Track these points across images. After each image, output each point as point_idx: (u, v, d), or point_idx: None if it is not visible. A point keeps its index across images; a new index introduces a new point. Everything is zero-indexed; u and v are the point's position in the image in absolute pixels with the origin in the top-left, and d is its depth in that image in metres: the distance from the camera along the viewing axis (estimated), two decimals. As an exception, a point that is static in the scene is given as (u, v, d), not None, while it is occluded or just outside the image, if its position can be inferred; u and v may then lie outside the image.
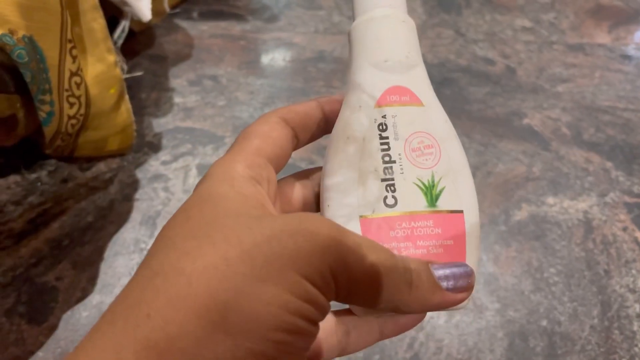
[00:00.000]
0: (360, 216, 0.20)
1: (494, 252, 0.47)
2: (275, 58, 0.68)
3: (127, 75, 0.49)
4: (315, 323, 0.17)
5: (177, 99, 0.61)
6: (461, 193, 0.21)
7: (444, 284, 0.19)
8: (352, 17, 0.24)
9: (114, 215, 0.48)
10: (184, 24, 0.73)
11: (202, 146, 0.55)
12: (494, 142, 0.57)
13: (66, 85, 0.42)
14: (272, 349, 0.15)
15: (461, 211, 0.21)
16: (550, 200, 0.51)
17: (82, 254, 0.45)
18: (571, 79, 0.67)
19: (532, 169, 0.54)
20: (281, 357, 0.16)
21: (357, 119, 0.21)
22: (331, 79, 0.65)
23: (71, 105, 0.43)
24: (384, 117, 0.21)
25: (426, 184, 0.21)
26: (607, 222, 0.50)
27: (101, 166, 0.52)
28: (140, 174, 0.52)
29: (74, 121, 0.44)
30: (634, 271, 0.46)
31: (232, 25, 0.73)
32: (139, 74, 0.62)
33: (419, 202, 0.21)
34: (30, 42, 0.38)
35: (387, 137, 0.21)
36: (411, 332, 0.41)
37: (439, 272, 0.19)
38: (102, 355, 0.14)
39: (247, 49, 0.69)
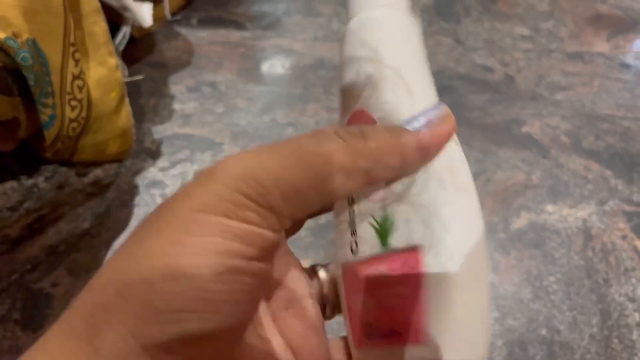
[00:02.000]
0: (342, 265, 0.19)
1: (493, 260, 0.46)
2: (274, 65, 0.68)
3: (128, 79, 0.49)
4: (250, 258, 0.16)
5: (176, 106, 0.61)
6: (431, 221, 0.17)
7: (412, 125, 0.17)
8: (346, 21, 0.22)
9: (111, 221, 0.48)
10: (183, 30, 0.73)
11: (200, 153, 0.55)
12: (493, 150, 0.57)
13: (68, 89, 0.42)
14: (214, 299, 0.15)
15: (415, 248, 0.17)
16: (550, 208, 0.51)
17: (78, 260, 0.45)
18: (570, 87, 0.67)
19: (532, 177, 0.54)
20: (228, 298, 0.15)
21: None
22: (330, 86, 0.65)
23: (73, 108, 0.43)
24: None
25: (379, 220, 0.18)
26: (606, 231, 0.49)
27: (98, 172, 0.52)
28: (137, 180, 0.52)
29: (75, 124, 0.44)
30: (633, 280, 0.45)
31: (231, 32, 0.73)
32: (139, 77, 0.62)
33: (373, 243, 0.18)
34: (34, 45, 0.38)
35: None
36: (409, 341, 0.40)
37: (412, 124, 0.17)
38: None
39: (246, 55, 0.69)
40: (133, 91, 0.61)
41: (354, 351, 0.19)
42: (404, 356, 0.16)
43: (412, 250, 0.16)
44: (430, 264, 0.16)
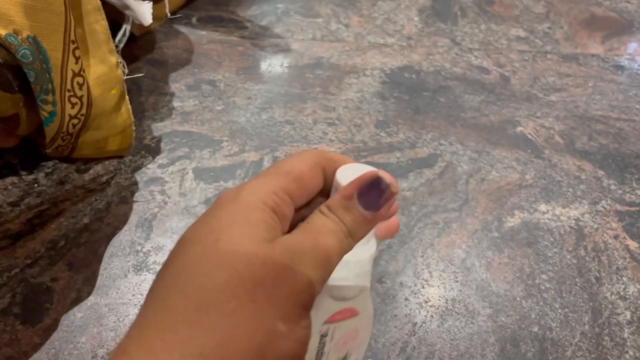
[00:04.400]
0: None
1: (487, 258, 0.47)
2: (273, 64, 0.69)
3: (128, 77, 0.50)
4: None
5: (176, 103, 0.61)
6: (361, 344, 0.29)
7: (373, 211, 0.22)
8: None
9: (111, 217, 0.48)
10: (183, 29, 0.74)
11: (199, 150, 0.55)
12: (487, 150, 0.58)
13: (68, 86, 0.42)
14: None
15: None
16: (543, 207, 0.52)
17: (77, 255, 0.45)
18: (565, 88, 0.67)
19: (525, 177, 0.55)
20: None
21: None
22: (328, 86, 0.65)
23: (73, 105, 0.43)
24: (327, 329, 0.26)
25: (341, 357, 0.28)
26: (598, 230, 0.50)
27: (98, 168, 0.52)
28: (137, 176, 0.52)
29: (75, 121, 0.45)
30: (624, 278, 0.46)
31: (230, 31, 0.74)
32: (139, 74, 0.62)
33: None
34: (35, 42, 0.38)
35: (324, 341, 0.27)
36: (404, 336, 0.41)
37: (364, 213, 0.21)
38: None
39: (245, 54, 0.70)
40: (133, 89, 0.62)
41: None
42: None
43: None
44: None
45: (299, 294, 0.18)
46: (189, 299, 0.17)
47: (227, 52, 0.70)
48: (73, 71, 0.42)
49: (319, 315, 0.26)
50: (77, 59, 0.42)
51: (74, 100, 0.43)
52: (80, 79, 0.42)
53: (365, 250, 0.25)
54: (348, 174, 0.23)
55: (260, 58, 0.70)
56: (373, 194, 0.21)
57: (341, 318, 0.26)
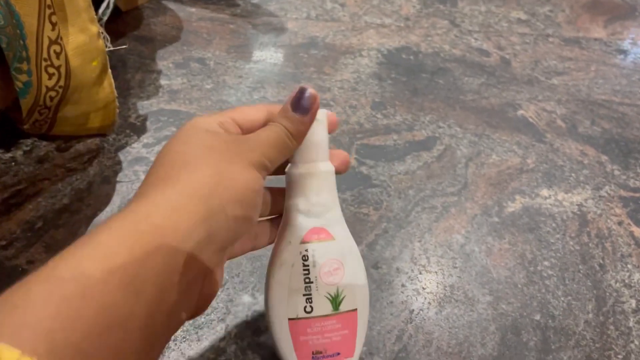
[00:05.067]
0: (289, 318, 0.31)
1: (487, 244, 0.45)
2: (266, 42, 0.66)
3: (111, 48, 0.47)
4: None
5: (163, 81, 0.59)
6: (357, 297, 0.31)
7: (303, 115, 0.28)
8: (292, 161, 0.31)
9: (92, 197, 0.46)
10: (172, 5, 0.71)
11: (186, 129, 0.53)
12: (488, 133, 0.56)
13: (45, 55, 0.39)
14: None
15: (355, 309, 0.31)
16: (545, 192, 0.50)
17: (56, 237, 0.43)
18: (567, 72, 0.65)
19: (527, 161, 0.53)
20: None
21: (288, 252, 0.30)
22: (322, 65, 0.63)
23: (50, 75, 0.40)
24: (306, 250, 0.30)
25: (333, 295, 0.31)
26: (602, 216, 0.48)
27: (80, 147, 0.50)
28: (121, 156, 0.50)
29: (52, 93, 0.42)
30: (629, 266, 0.44)
31: (221, 9, 0.71)
32: (123, 46, 0.59)
33: (327, 308, 0.31)
34: (7, 5, 0.35)
35: (307, 265, 0.30)
36: (400, 324, 0.39)
37: (297, 116, 0.28)
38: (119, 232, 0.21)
39: (237, 32, 0.67)
40: (118, 65, 0.59)
41: None
42: None
43: (353, 311, 0.32)
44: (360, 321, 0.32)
45: (242, 154, 0.26)
46: (174, 163, 0.25)
47: (217, 29, 0.67)
48: (49, 38, 0.39)
49: (294, 232, 0.30)
50: (53, 25, 0.39)
51: (51, 70, 0.40)
52: (57, 47, 0.40)
53: (322, 166, 0.30)
54: None
55: (252, 36, 0.67)
56: (302, 102, 0.28)
57: (316, 238, 0.30)
